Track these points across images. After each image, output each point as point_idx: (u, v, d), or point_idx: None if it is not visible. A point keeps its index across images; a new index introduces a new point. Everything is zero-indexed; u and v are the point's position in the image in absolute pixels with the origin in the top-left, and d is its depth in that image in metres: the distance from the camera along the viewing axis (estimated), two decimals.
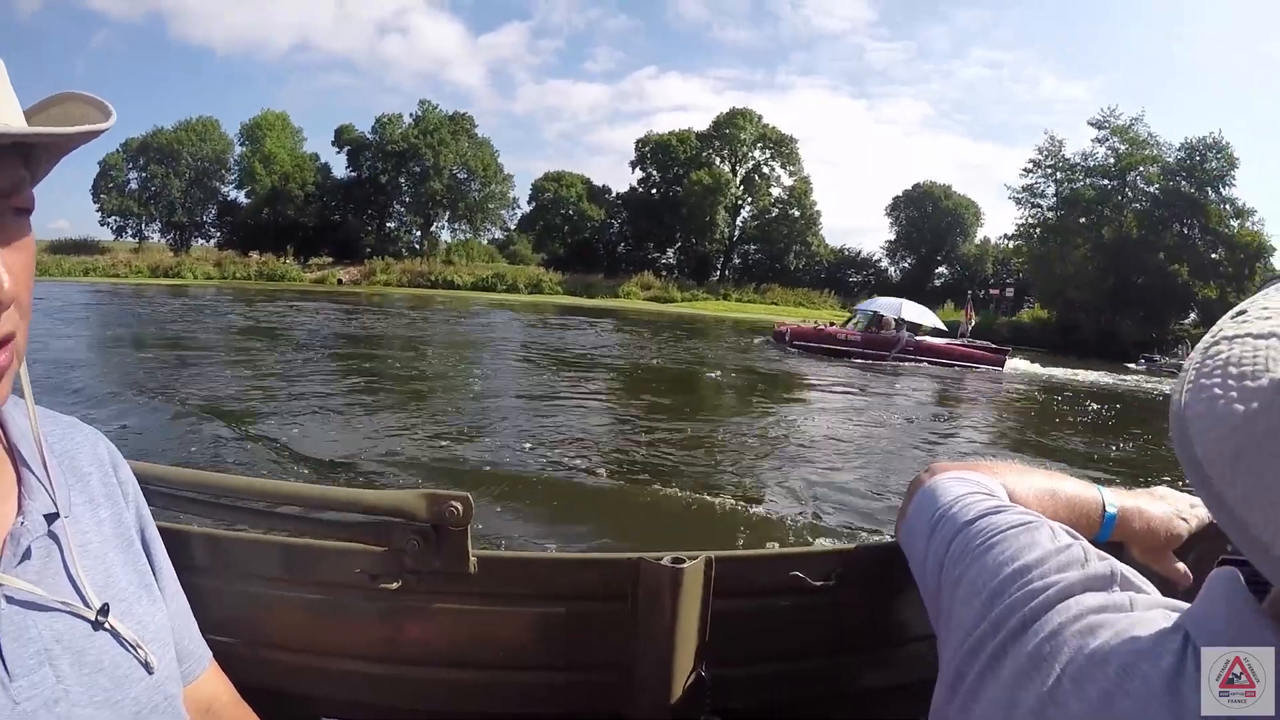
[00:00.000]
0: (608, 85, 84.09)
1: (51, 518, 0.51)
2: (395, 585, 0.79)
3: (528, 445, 6.47)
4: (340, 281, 45.28)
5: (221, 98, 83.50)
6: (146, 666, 0.52)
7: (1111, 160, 37.40)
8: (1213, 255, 35.60)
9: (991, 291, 41.74)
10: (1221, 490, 0.32)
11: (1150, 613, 0.41)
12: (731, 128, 47.20)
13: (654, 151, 48.26)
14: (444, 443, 6.47)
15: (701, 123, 48.93)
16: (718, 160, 47.93)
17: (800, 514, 5.03)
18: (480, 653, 0.85)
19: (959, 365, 17.59)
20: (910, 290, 47.10)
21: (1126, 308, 35.52)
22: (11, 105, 0.46)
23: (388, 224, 50.76)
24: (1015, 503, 0.66)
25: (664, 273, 47.76)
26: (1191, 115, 77.96)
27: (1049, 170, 38.76)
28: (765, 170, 48.37)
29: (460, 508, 0.75)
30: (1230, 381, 0.35)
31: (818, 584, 0.83)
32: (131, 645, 0.51)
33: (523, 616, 0.86)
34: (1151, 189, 36.89)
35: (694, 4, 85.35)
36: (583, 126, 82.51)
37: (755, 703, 0.88)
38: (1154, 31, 75.72)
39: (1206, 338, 0.40)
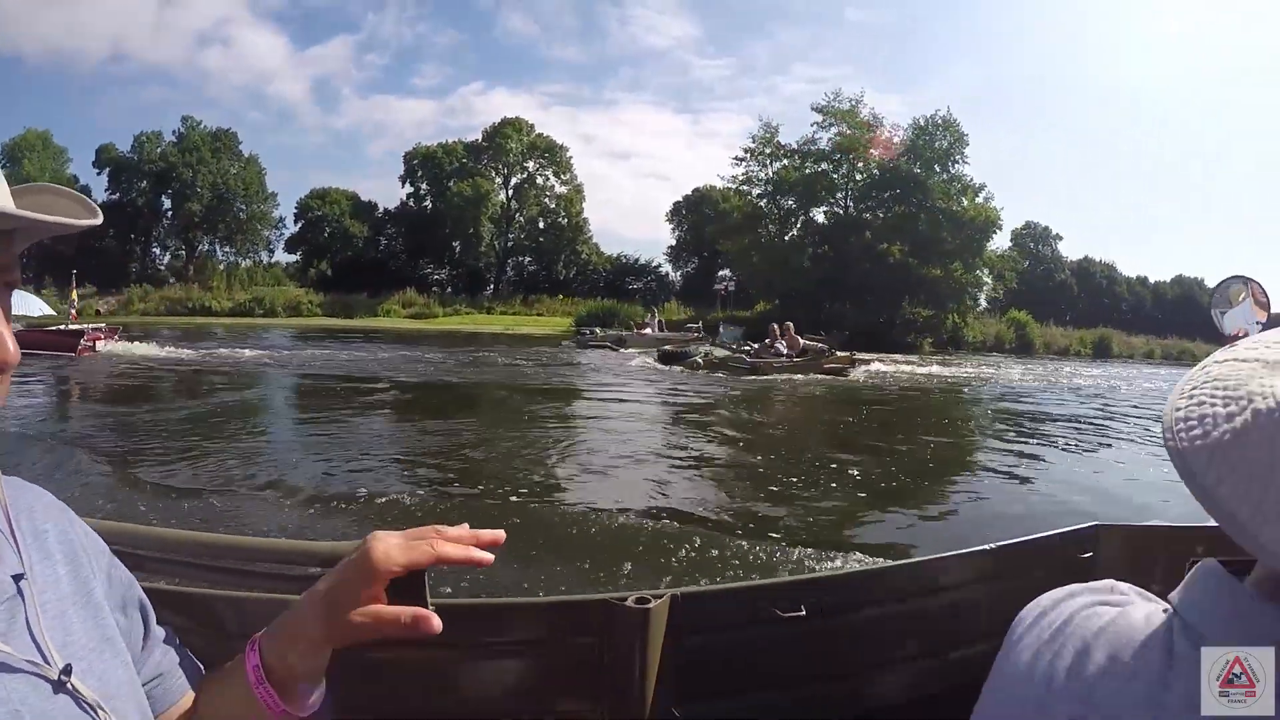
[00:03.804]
0: (435, 101, 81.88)
1: (18, 578, 0.52)
2: None
3: None
4: (98, 313, 43.11)
5: (37, 111, 79.77)
6: None
7: (836, 143, 35.92)
8: (941, 234, 33.83)
9: (715, 288, 41.09)
10: (1206, 484, 0.36)
11: (1143, 604, 0.44)
12: (501, 138, 46.12)
13: (423, 164, 46.94)
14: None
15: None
16: (493, 171, 46.96)
17: None
18: (444, 704, 0.83)
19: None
20: (692, 293, 46.80)
21: (848, 294, 33.67)
22: (3, 189, 0.48)
23: (152, 249, 48.76)
24: None
25: (435, 288, 46.44)
26: (998, 122, 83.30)
27: (764, 157, 37.03)
28: (539, 180, 47.45)
29: None
30: (1216, 393, 0.39)
31: (786, 615, 0.83)
32: (91, 707, 0.50)
33: (486, 664, 0.84)
34: (871, 169, 35.49)
35: (523, 20, 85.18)
36: (408, 143, 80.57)
37: None
38: (957, 51, 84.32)
39: (1200, 365, 0.44)
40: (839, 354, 17.56)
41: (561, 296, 44.95)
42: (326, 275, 46.08)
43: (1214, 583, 0.40)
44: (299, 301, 43.39)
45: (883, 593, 0.90)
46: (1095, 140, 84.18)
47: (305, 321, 40.02)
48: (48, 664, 0.49)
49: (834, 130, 36.16)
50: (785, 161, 36.73)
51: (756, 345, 17.60)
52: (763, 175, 37.09)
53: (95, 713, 0.50)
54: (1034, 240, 52.07)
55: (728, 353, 17.25)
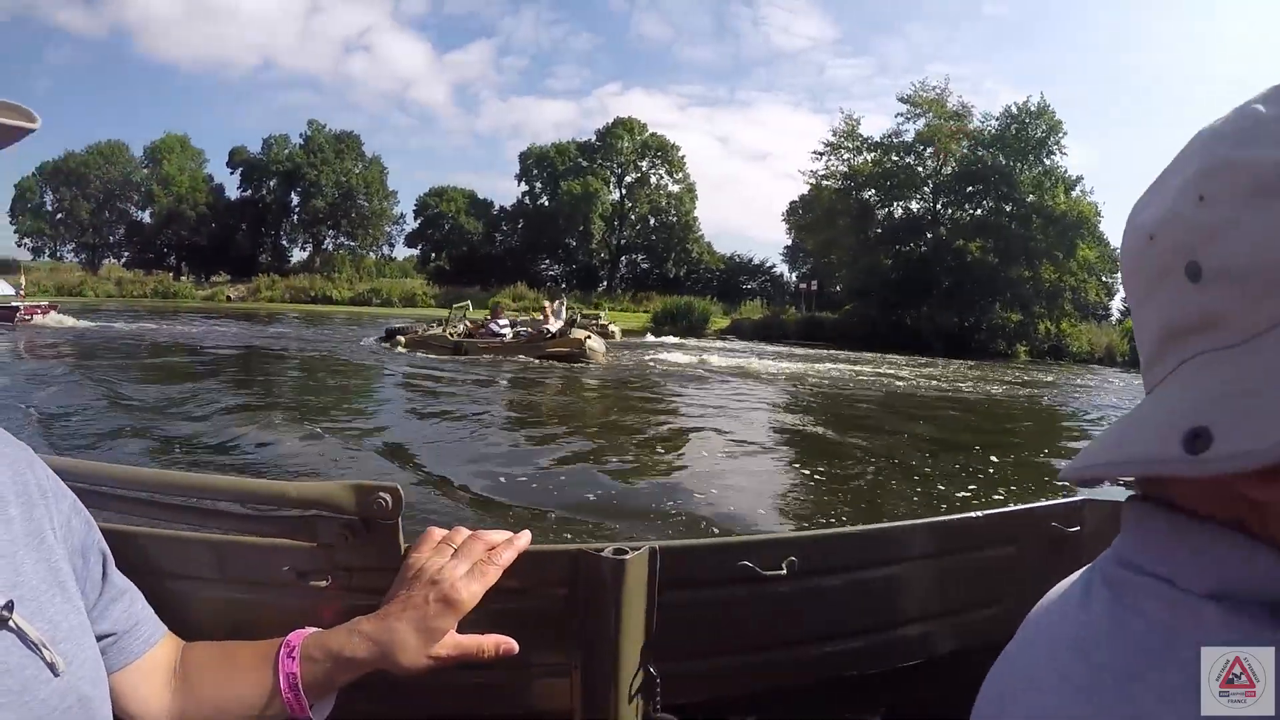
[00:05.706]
0: (572, 102, 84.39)
1: None
2: (324, 583, 0.75)
3: None
4: (229, 298, 45.56)
5: (186, 116, 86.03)
6: (52, 668, 0.50)
7: (921, 134, 34.14)
8: (1031, 231, 31.32)
9: (799, 286, 39.42)
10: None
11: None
12: (613, 137, 46.50)
13: (537, 163, 47.77)
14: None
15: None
16: (607, 170, 47.28)
17: None
18: None
19: None
20: (802, 292, 45.54)
21: (931, 295, 31.45)
22: None
23: (281, 241, 51.31)
24: None
25: (550, 283, 46.97)
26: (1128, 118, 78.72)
27: (849, 151, 35.44)
28: (652, 179, 47.47)
29: (389, 499, 0.71)
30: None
31: (767, 574, 0.81)
32: (37, 645, 0.49)
33: None
34: (955, 161, 33.50)
35: (656, 23, 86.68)
36: (545, 144, 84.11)
37: (707, 698, 0.86)
38: (1091, 44, 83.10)
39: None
40: (573, 334, 14.67)
41: (672, 295, 44.50)
42: (444, 269, 47.25)
43: (1137, 510, 0.39)
44: (414, 293, 44.52)
45: (863, 556, 0.87)
46: None
47: (418, 311, 40.99)
48: None
49: (921, 121, 34.38)
50: (868, 155, 35.03)
51: (475, 324, 15.87)
52: (842, 169, 35.51)
53: (40, 650, 0.49)
54: None
55: (436, 331, 15.53)
